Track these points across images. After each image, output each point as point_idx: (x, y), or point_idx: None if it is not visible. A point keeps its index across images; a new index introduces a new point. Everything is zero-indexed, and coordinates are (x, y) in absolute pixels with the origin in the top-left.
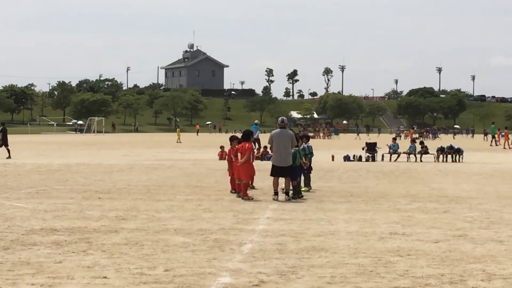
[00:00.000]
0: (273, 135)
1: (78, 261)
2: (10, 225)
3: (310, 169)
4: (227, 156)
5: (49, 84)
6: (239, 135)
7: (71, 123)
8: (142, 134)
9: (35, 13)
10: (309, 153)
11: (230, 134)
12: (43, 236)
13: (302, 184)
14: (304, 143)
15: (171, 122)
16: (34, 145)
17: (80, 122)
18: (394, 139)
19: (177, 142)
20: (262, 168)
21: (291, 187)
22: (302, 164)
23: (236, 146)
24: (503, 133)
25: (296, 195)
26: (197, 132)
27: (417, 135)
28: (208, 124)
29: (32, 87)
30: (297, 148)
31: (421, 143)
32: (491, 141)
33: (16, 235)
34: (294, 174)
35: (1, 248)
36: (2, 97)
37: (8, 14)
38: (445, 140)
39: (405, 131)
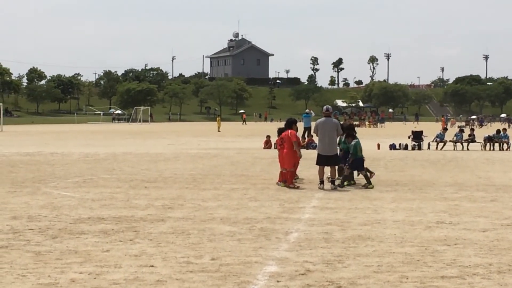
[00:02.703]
0: (318, 124)
1: (125, 249)
2: (58, 214)
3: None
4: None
5: (95, 73)
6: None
7: (118, 112)
8: (184, 123)
9: (80, 2)
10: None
11: (275, 123)
12: (90, 225)
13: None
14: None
15: (209, 111)
16: (81, 135)
17: (118, 111)
18: (445, 129)
19: (218, 131)
20: (308, 157)
21: (336, 176)
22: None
23: (281, 135)
24: None
25: (368, 184)
26: (244, 121)
27: (463, 124)
28: (241, 112)
29: (79, 77)
30: (357, 140)
31: (471, 130)
32: None
33: (64, 224)
34: (358, 166)
35: (49, 236)
36: (50, 86)
37: (54, 4)
38: (493, 128)
39: (452, 119)
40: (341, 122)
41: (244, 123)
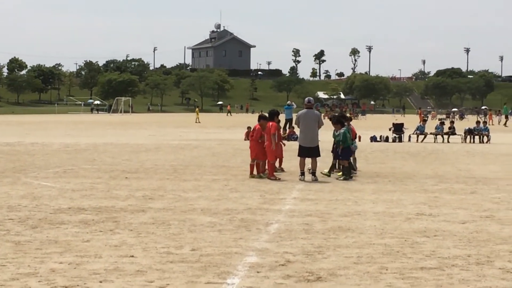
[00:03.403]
0: (300, 116)
1: (105, 240)
2: (38, 204)
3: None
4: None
5: (76, 64)
6: None
7: (97, 103)
8: (165, 114)
9: None
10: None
11: (256, 114)
12: (70, 215)
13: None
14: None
15: (189, 102)
16: (61, 125)
17: (96, 101)
18: (425, 120)
19: (196, 122)
20: (289, 149)
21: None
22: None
23: (255, 127)
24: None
25: (347, 175)
26: (228, 112)
27: (443, 116)
28: (219, 104)
29: (60, 67)
30: (345, 128)
31: (451, 122)
32: (505, 121)
33: (44, 214)
34: (345, 155)
35: (29, 226)
36: (30, 77)
37: None
38: (473, 121)
39: (432, 112)
40: (323, 114)
41: (229, 114)
